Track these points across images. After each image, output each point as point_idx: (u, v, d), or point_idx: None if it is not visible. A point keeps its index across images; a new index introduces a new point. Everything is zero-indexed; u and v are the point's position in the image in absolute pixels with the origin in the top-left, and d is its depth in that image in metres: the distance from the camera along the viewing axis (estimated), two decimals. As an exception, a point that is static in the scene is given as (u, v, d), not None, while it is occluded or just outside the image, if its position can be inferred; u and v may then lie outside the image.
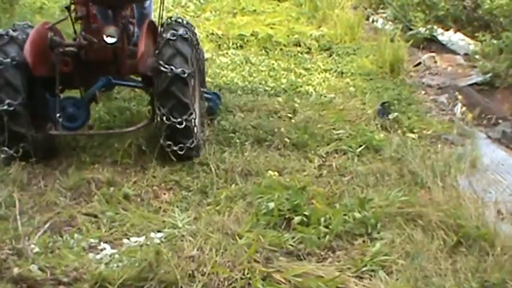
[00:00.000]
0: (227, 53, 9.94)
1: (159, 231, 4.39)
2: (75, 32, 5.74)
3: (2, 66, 5.24)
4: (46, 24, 5.62)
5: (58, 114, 5.44)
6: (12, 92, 5.27)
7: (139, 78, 6.13)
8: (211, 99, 6.75)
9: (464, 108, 7.36)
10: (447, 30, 10.21)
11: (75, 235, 4.36)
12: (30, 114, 5.42)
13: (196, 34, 5.99)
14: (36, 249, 4.15)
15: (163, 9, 6.24)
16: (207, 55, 8.48)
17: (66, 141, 6.01)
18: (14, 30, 5.49)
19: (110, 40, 5.38)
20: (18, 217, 4.55)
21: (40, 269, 3.91)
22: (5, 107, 5.21)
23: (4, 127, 5.25)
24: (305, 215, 4.46)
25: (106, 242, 4.31)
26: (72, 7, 5.52)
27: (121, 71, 5.81)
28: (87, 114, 5.76)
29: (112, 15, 5.66)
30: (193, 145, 5.53)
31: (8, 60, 5.24)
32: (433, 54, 9.56)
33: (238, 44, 10.39)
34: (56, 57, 5.44)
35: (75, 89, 5.93)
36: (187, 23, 5.90)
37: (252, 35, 10.64)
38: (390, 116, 7.00)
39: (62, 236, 4.36)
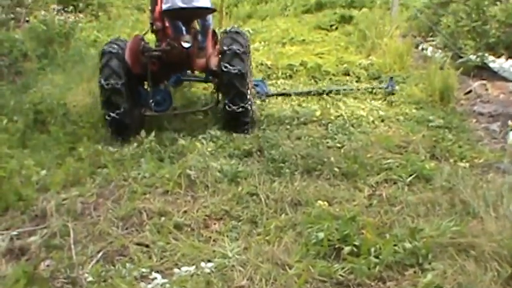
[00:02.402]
0: (276, 83, 10.03)
1: (209, 261, 4.42)
2: (157, 40, 7.86)
3: (112, 59, 7.20)
4: (138, 36, 7.64)
5: (151, 101, 7.45)
6: (116, 76, 7.14)
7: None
8: (259, 85, 9.19)
9: (516, 136, 7.22)
10: (499, 57, 10.08)
11: (127, 264, 4.43)
12: (128, 101, 7.23)
13: (247, 36, 7.86)
14: (90, 278, 4.24)
15: (222, 19, 8.68)
16: (256, 85, 8.79)
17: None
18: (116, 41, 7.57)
19: (186, 45, 7.28)
20: (72, 246, 4.67)
21: (93, 298, 4.00)
22: (115, 114, 7.16)
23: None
24: (355, 245, 4.43)
25: (157, 272, 4.37)
26: None
27: (193, 67, 7.90)
28: (170, 101, 7.71)
29: (184, 27, 7.55)
30: (247, 102, 7.24)
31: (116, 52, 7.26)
32: (484, 81, 9.42)
33: (288, 74, 10.49)
34: (146, 59, 7.32)
35: (159, 83, 7.73)
36: (240, 30, 7.91)
37: (301, 64, 10.73)
38: (397, 88, 9.32)
39: (114, 266, 4.44)
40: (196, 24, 8.10)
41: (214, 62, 7.58)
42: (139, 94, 7.65)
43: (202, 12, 7.67)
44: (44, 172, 6.15)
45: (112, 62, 7.18)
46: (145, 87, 7.74)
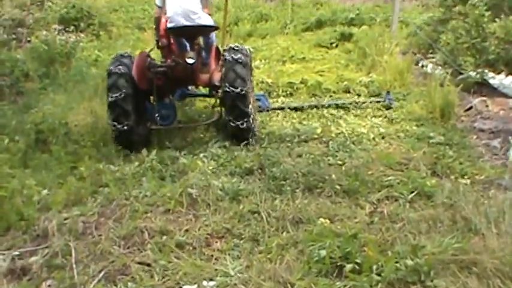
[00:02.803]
0: (277, 101, 10.05)
1: (211, 280, 4.42)
2: (162, 57, 8.28)
3: (123, 57, 7.72)
4: (144, 52, 7.92)
5: (156, 115, 7.75)
6: (124, 65, 7.54)
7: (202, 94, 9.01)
8: (261, 100, 9.56)
9: (517, 153, 7.22)
10: (498, 73, 10.09)
11: (129, 284, 4.43)
12: (135, 116, 7.52)
13: (248, 52, 7.97)
14: (92, 298, 4.23)
15: (225, 37, 9.17)
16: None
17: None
18: (121, 55, 7.82)
19: (190, 61, 7.65)
20: (74, 266, 4.66)
21: (95, 317, 3.99)
22: (118, 95, 7.38)
23: (117, 106, 7.42)
24: (357, 263, 4.42)
25: (159, 291, 4.36)
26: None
27: (197, 83, 8.29)
28: (175, 115, 8.05)
29: (189, 44, 8.01)
30: (249, 117, 7.46)
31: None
32: (484, 98, 9.42)
33: (288, 92, 10.52)
34: (152, 75, 7.65)
35: (164, 97, 8.02)
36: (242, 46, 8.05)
37: (301, 82, 10.77)
38: (395, 102, 9.59)
39: (116, 285, 4.45)
40: (201, 41, 8.37)
41: (217, 77, 7.82)
42: (145, 108, 7.91)
43: (205, 30, 8.06)
44: (45, 192, 6.16)
45: (123, 59, 7.65)
46: (151, 101, 8.00)
